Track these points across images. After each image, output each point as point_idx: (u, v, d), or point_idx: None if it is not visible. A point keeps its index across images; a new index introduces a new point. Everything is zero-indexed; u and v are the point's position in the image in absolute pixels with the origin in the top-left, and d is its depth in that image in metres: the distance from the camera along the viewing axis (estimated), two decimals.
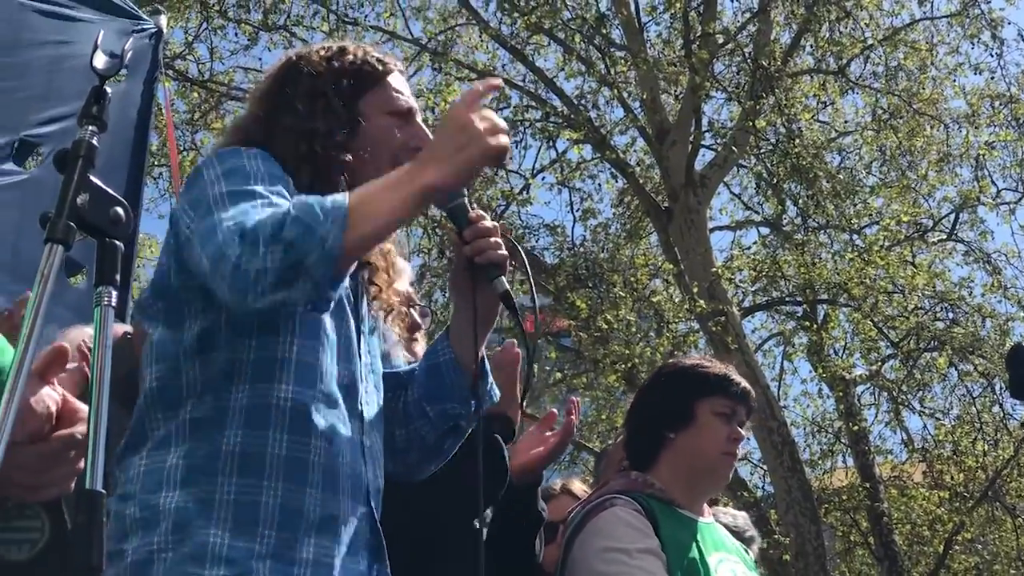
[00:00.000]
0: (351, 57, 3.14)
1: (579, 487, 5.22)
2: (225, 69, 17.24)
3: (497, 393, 3.26)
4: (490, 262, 2.97)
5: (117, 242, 2.10)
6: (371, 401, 3.02)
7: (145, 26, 6.04)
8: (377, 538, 2.90)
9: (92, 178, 2.11)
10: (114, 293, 2.06)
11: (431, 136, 3.03)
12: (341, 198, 2.63)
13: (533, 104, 17.40)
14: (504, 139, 2.78)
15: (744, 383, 4.27)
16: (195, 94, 16.95)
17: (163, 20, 6.30)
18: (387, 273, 3.21)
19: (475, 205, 3.08)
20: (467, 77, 17.19)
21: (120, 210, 2.11)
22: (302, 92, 3.07)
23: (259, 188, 2.76)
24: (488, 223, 3.00)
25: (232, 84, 17.19)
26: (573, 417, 4.34)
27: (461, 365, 3.12)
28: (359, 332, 3.03)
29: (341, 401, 2.89)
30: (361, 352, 3.01)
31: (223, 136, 3.26)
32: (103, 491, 1.89)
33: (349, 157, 3.01)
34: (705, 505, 4.25)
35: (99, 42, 2.24)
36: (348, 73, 3.11)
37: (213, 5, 16.45)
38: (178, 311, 2.84)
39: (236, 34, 16.82)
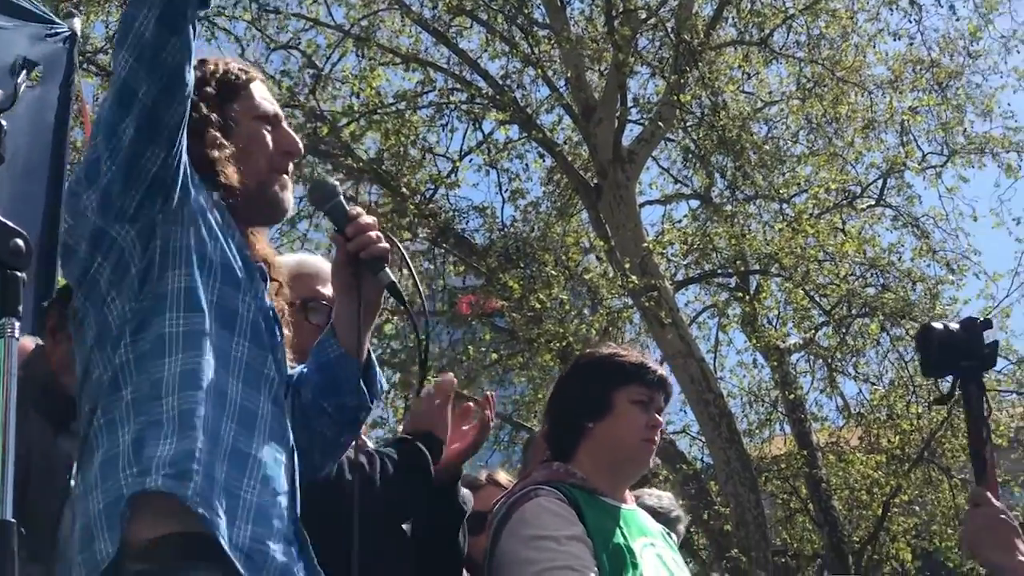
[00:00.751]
0: (212, 67, 3.22)
1: (504, 477, 5.24)
2: None
3: (384, 383, 3.41)
4: (374, 256, 3.14)
5: (18, 273, 2.11)
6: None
7: (59, 30, 6.00)
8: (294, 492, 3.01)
9: None
10: (17, 324, 2.10)
11: (297, 140, 3.25)
12: None
13: (458, 86, 17.37)
14: None
15: (660, 371, 4.33)
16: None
17: (77, 23, 6.24)
18: (279, 281, 3.29)
19: (351, 202, 3.21)
20: (391, 62, 17.16)
21: (20, 241, 2.15)
22: None
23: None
24: (368, 219, 3.17)
25: None
26: (488, 412, 4.37)
27: (351, 358, 3.22)
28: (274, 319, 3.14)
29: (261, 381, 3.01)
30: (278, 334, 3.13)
31: None
32: (13, 520, 1.90)
33: (229, 148, 3.10)
34: (627, 492, 4.30)
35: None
36: (210, 82, 3.18)
37: None
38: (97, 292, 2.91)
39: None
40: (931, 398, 16.94)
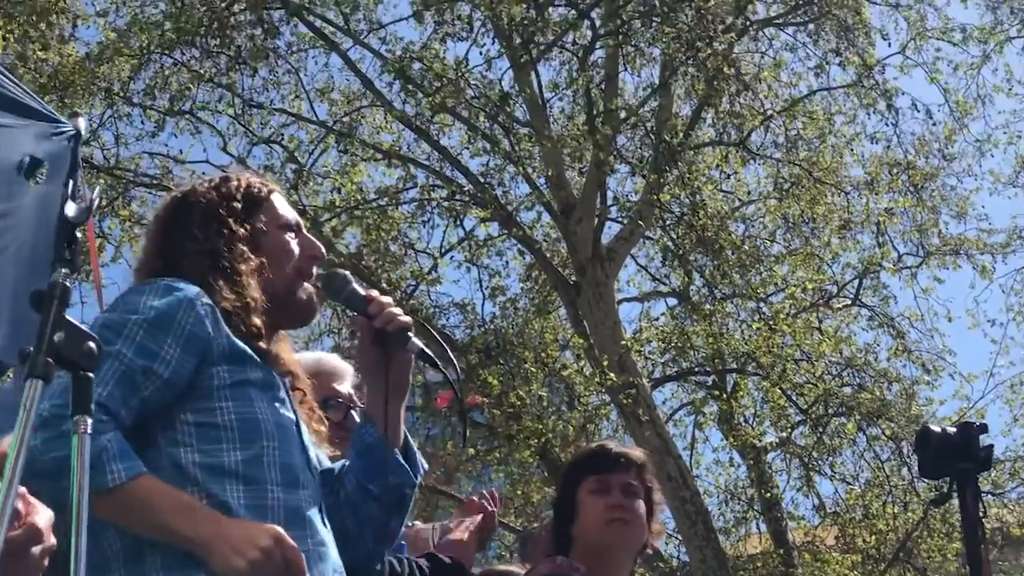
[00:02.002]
0: (235, 183, 3.35)
1: (518, 570, 5.34)
2: (131, 155, 17.19)
3: (424, 464, 3.45)
4: (400, 329, 3.27)
5: (90, 374, 2.23)
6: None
7: (63, 129, 6.08)
8: None
9: (66, 316, 2.26)
10: (90, 421, 2.20)
11: (319, 244, 3.39)
12: (139, 473, 2.83)
13: (439, 183, 17.47)
14: None
15: (616, 448, 4.48)
16: (101, 181, 16.88)
17: (81, 122, 6.33)
18: (303, 391, 3.38)
19: (363, 284, 3.32)
20: (372, 157, 17.29)
21: (92, 344, 2.25)
22: (197, 220, 3.25)
23: (124, 349, 2.95)
24: (385, 297, 3.33)
25: (139, 170, 17.15)
26: (493, 508, 4.49)
27: (389, 439, 3.31)
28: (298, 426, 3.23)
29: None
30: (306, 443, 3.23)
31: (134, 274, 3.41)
32: None
33: (255, 261, 3.21)
34: None
35: (70, 192, 2.39)
36: (236, 197, 3.31)
37: (118, 92, 16.42)
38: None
39: (142, 120, 16.78)
40: (907, 499, 17.01)
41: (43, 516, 2.08)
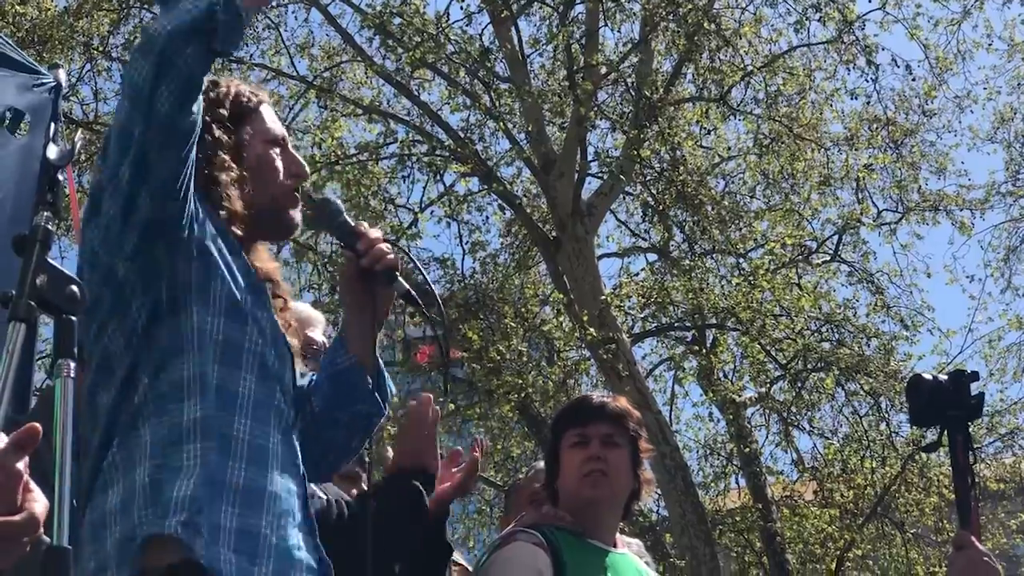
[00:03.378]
0: (224, 89, 3.31)
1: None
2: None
3: (393, 388, 3.49)
4: (388, 268, 3.28)
5: (73, 317, 2.23)
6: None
7: (44, 80, 6.06)
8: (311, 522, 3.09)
9: (49, 260, 2.27)
10: (72, 365, 2.21)
11: (303, 162, 3.36)
12: None
13: (419, 138, 17.45)
14: None
15: (596, 399, 4.51)
16: (81, 136, 16.80)
17: (62, 74, 6.31)
18: (283, 298, 3.35)
19: (356, 218, 3.32)
20: (353, 112, 17.26)
21: (75, 288, 2.26)
22: None
23: None
24: (376, 232, 3.32)
25: None
26: (477, 453, 4.50)
27: (363, 367, 3.34)
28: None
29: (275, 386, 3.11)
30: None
31: None
32: (69, 547, 2.00)
33: (236, 172, 3.19)
34: (619, 536, 4.43)
35: (50, 135, 2.38)
36: (223, 104, 3.27)
37: (97, 47, 16.36)
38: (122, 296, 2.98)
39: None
40: (885, 454, 17.10)
41: (41, 505, 2.08)
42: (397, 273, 3.30)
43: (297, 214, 3.31)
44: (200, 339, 2.97)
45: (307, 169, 3.40)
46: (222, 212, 3.12)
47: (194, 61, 2.86)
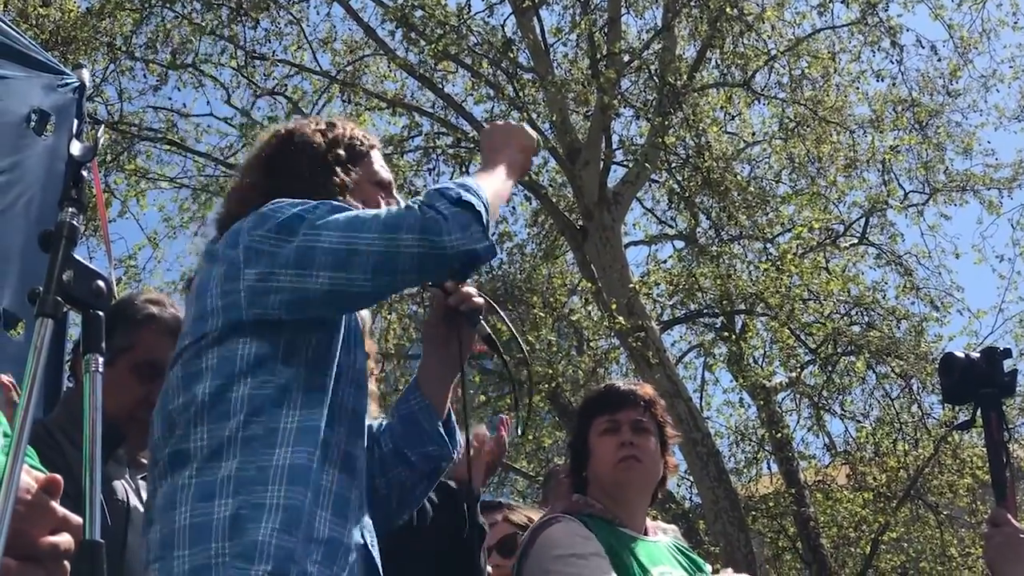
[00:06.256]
0: (341, 131, 3.40)
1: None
2: (135, 110, 17.18)
3: (462, 440, 3.50)
4: (473, 309, 3.33)
5: (100, 313, 2.23)
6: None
7: (68, 80, 6.10)
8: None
9: (75, 256, 2.25)
10: (100, 360, 2.21)
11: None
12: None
13: (444, 131, 17.49)
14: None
15: (624, 386, 4.51)
16: (106, 136, 16.88)
17: (85, 74, 6.35)
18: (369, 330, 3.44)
19: None
20: (377, 106, 17.28)
21: (101, 283, 2.26)
22: (305, 160, 3.30)
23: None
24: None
25: (143, 125, 17.14)
26: (504, 434, 4.54)
27: (435, 410, 3.36)
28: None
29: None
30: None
31: (224, 206, 3.42)
32: (102, 541, 2.01)
33: None
34: (650, 522, 4.44)
35: (74, 131, 2.38)
36: (341, 144, 3.36)
37: (120, 47, 16.40)
38: (232, 336, 3.00)
39: (144, 75, 16.77)
40: (917, 435, 17.04)
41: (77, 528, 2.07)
42: (480, 316, 3.35)
43: None
44: (315, 399, 3.00)
45: None
46: None
47: (441, 276, 3.15)
